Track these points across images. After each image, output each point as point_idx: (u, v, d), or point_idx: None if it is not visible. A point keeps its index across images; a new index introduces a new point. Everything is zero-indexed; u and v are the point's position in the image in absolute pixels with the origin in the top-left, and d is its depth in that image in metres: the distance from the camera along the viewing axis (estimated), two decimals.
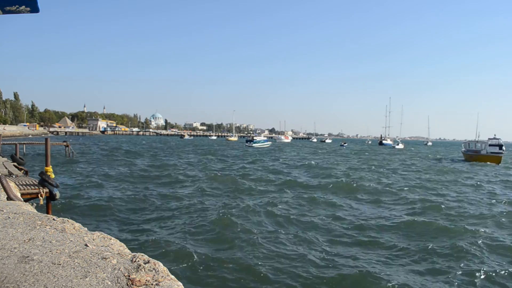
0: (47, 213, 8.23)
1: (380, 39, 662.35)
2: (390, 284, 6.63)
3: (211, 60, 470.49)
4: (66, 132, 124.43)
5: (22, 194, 7.60)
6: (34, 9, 2.46)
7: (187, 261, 7.61)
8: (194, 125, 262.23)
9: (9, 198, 5.07)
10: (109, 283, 1.82)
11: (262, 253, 8.24)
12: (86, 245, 2.44)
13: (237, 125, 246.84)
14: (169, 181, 19.27)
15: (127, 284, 1.84)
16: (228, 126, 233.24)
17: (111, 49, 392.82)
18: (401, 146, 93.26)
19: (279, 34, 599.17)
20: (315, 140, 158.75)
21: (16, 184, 8.33)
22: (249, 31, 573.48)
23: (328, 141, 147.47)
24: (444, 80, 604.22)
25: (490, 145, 40.31)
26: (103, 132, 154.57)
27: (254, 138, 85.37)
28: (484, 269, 7.56)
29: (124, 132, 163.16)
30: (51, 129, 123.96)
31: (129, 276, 1.93)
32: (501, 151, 39.62)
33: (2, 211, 3.52)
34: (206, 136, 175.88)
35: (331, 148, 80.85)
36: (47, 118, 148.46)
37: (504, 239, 9.84)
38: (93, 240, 2.60)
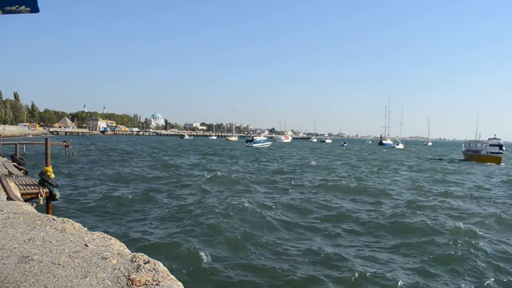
0: (47, 213, 8.23)
1: (380, 39, 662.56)
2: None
3: (211, 60, 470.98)
4: (66, 132, 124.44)
5: (22, 194, 7.60)
6: (34, 9, 2.46)
7: (187, 261, 7.61)
8: (194, 125, 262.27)
9: (9, 198, 5.07)
10: (109, 283, 1.82)
11: (262, 253, 8.24)
12: (86, 245, 2.44)
13: (237, 125, 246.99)
14: (169, 181, 19.27)
15: (127, 284, 1.84)
16: (228, 126, 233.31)
17: (111, 49, 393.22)
18: (401, 146, 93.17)
19: (279, 34, 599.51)
20: (315, 140, 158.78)
21: (16, 184, 8.33)
22: (249, 31, 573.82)
23: (328, 141, 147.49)
24: (444, 80, 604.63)
25: (490, 145, 40.32)
26: (103, 132, 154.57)
27: (254, 138, 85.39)
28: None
29: (124, 132, 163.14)
30: (51, 129, 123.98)
31: (129, 276, 1.93)
32: (501, 151, 39.63)
33: (2, 211, 3.52)
34: (206, 136, 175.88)
35: (331, 148, 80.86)
36: (47, 118, 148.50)
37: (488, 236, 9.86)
38: (93, 240, 2.60)
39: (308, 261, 7.78)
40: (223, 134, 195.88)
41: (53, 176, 13.43)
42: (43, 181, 8.72)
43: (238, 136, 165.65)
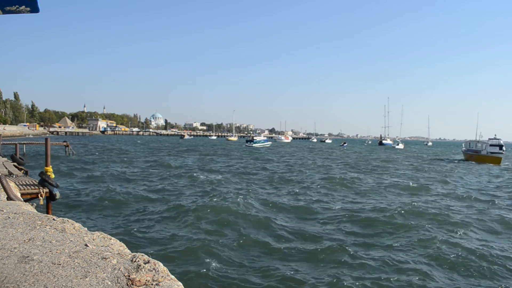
0: (47, 213, 8.24)
1: (380, 39, 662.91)
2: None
3: (211, 60, 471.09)
4: (66, 132, 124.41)
5: (22, 194, 7.60)
6: (34, 9, 2.46)
7: (187, 261, 7.62)
8: (194, 125, 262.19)
9: (9, 198, 5.07)
10: (109, 283, 1.82)
11: (262, 253, 8.24)
12: (86, 245, 2.44)
13: (237, 125, 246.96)
14: (169, 181, 19.26)
15: (127, 284, 1.84)
16: (228, 126, 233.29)
17: (111, 49, 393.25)
18: (401, 146, 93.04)
19: (279, 34, 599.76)
20: (315, 140, 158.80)
21: (16, 184, 8.33)
22: (249, 31, 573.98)
23: (328, 141, 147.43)
24: (444, 80, 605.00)
25: (490, 145, 40.30)
26: (103, 132, 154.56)
27: (254, 138, 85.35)
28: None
29: (124, 132, 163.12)
30: (51, 129, 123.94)
31: (129, 276, 1.93)
32: (501, 151, 39.63)
33: (2, 211, 3.52)
34: (206, 136, 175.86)
35: (331, 149, 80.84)
36: (47, 118, 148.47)
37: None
38: (93, 240, 2.60)
39: (308, 258, 7.79)
40: (223, 134, 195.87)
41: (53, 176, 13.43)
42: (43, 181, 8.72)
43: (238, 136, 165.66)
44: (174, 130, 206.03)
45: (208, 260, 7.60)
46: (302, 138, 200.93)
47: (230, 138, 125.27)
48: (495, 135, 40.89)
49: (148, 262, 2.14)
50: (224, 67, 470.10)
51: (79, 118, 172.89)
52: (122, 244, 2.61)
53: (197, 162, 32.86)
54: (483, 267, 7.77)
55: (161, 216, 11.35)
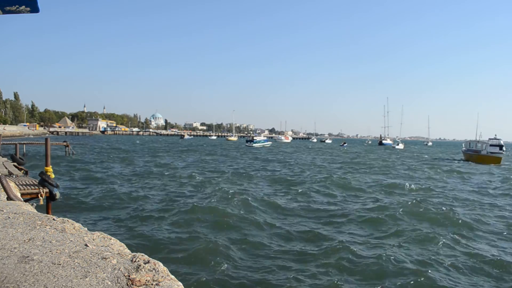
0: (47, 213, 8.24)
1: (380, 39, 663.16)
2: None
3: (211, 60, 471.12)
4: (66, 132, 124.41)
5: (22, 194, 7.60)
6: (34, 9, 2.46)
7: (187, 261, 7.62)
8: (194, 125, 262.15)
9: (9, 198, 5.07)
10: (109, 283, 1.82)
11: (262, 253, 8.24)
12: (86, 245, 2.44)
13: (237, 125, 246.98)
14: (169, 181, 19.26)
15: (127, 284, 1.84)
16: (228, 126, 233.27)
17: (111, 49, 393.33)
18: (401, 146, 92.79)
19: (279, 34, 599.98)
20: (315, 140, 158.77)
21: (16, 184, 8.33)
22: (249, 31, 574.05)
23: (328, 141, 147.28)
24: (444, 80, 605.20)
25: (490, 145, 40.28)
26: (103, 132, 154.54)
27: (254, 138, 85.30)
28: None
29: (124, 132, 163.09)
30: (51, 129, 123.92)
31: (129, 276, 1.93)
32: (501, 151, 39.61)
33: (2, 211, 3.52)
34: (206, 136, 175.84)
35: (331, 149, 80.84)
36: (47, 118, 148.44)
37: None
38: (93, 240, 2.60)
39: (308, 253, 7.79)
40: (223, 134, 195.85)
41: (53, 176, 13.44)
42: (43, 181, 8.72)
43: (238, 136, 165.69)
44: (174, 130, 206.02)
45: (208, 260, 7.60)
46: (302, 138, 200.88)
47: (230, 138, 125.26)
48: (496, 135, 40.86)
49: (148, 262, 2.14)
50: (224, 67, 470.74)
51: (79, 118, 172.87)
52: (122, 244, 2.60)
53: (197, 162, 32.85)
54: (483, 268, 7.77)
55: (161, 216, 11.34)
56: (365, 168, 30.73)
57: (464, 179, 24.63)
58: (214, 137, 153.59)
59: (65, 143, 35.93)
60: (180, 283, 1.94)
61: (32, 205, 6.25)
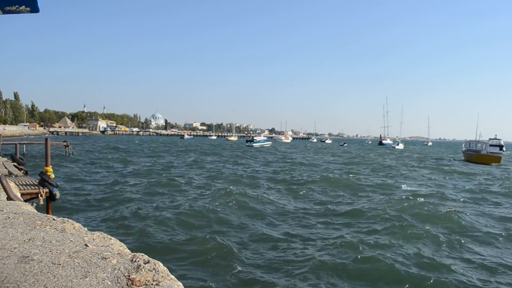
0: (47, 213, 8.23)
1: (380, 39, 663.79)
2: None
3: (211, 60, 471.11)
4: (66, 132, 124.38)
5: (22, 194, 7.60)
6: (34, 9, 2.46)
7: (187, 261, 7.62)
8: (194, 125, 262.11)
9: (9, 198, 5.07)
10: (109, 283, 1.82)
11: (262, 253, 8.24)
12: (86, 245, 2.44)
13: (237, 125, 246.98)
14: (170, 181, 19.25)
15: (127, 284, 1.84)
16: (228, 126, 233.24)
17: (111, 49, 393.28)
18: (401, 146, 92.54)
19: (279, 34, 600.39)
20: (315, 140, 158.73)
21: (16, 184, 8.33)
22: (249, 31, 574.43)
23: (328, 141, 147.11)
24: (444, 80, 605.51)
25: (490, 145, 40.26)
26: (103, 132, 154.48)
27: (254, 138, 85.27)
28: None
29: (124, 132, 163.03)
30: (51, 129, 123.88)
31: (129, 276, 1.93)
32: (501, 151, 39.59)
33: (2, 211, 3.52)
34: (206, 136, 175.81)
35: (331, 148, 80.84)
36: (47, 118, 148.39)
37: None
38: (93, 240, 2.60)
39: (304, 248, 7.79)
40: (223, 134, 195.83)
41: (53, 176, 13.44)
42: (43, 181, 8.72)
43: (238, 136, 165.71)
44: (174, 130, 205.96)
45: (208, 260, 7.61)
46: (302, 138, 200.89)
47: (230, 138, 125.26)
48: (496, 135, 40.83)
49: (148, 262, 2.14)
50: (224, 67, 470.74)
51: (79, 118, 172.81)
52: (122, 244, 2.60)
53: (197, 162, 32.84)
54: (483, 269, 7.77)
55: (162, 216, 11.34)
56: (365, 168, 30.73)
57: (464, 179, 24.62)
58: (214, 137, 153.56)
59: (65, 143, 35.93)
60: (180, 283, 1.94)
61: (32, 205, 6.25)
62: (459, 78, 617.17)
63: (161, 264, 2.13)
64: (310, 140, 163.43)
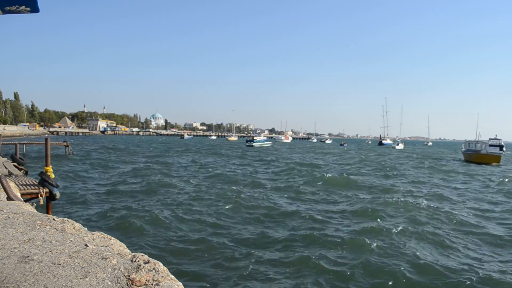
0: (47, 213, 8.24)
1: (380, 39, 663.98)
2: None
3: (211, 60, 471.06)
4: (66, 132, 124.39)
5: (22, 194, 7.60)
6: (34, 9, 2.46)
7: (187, 261, 7.62)
8: (194, 125, 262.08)
9: (9, 198, 5.07)
10: (109, 283, 1.82)
11: (262, 253, 8.24)
12: (86, 245, 2.44)
13: (237, 125, 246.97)
14: (170, 181, 19.25)
15: (127, 284, 1.84)
16: (228, 126, 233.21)
17: (111, 49, 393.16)
18: (401, 146, 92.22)
19: (279, 34, 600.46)
20: (315, 140, 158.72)
21: (16, 184, 8.33)
22: (249, 31, 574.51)
23: (328, 141, 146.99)
24: (444, 80, 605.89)
25: (490, 145, 40.25)
26: (103, 132, 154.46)
27: (254, 138, 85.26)
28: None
29: (124, 132, 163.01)
30: (51, 129, 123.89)
31: (129, 276, 1.93)
32: (501, 151, 39.58)
33: (2, 211, 3.52)
34: (206, 136, 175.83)
35: (331, 148, 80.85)
36: (47, 118, 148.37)
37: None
38: (93, 240, 2.60)
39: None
40: (223, 134, 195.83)
41: (53, 176, 13.44)
42: (43, 181, 8.72)
43: (238, 136, 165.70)
44: (174, 130, 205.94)
45: (208, 260, 7.60)
46: (302, 138, 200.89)
47: (230, 138, 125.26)
48: (496, 135, 40.81)
49: (148, 262, 2.14)
50: (224, 67, 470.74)
51: (79, 118, 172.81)
52: (122, 244, 2.60)
53: (197, 162, 32.84)
54: (484, 270, 7.77)
55: (162, 216, 11.34)
56: (365, 168, 30.73)
57: (463, 179, 24.62)
58: (214, 137, 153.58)
59: (65, 143, 35.94)
60: (180, 283, 1.94)
61: (32, 205, 6.25)
62: (459, 78, 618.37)
63: (161, 264, 2.13)
64: (310, 140, 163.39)
